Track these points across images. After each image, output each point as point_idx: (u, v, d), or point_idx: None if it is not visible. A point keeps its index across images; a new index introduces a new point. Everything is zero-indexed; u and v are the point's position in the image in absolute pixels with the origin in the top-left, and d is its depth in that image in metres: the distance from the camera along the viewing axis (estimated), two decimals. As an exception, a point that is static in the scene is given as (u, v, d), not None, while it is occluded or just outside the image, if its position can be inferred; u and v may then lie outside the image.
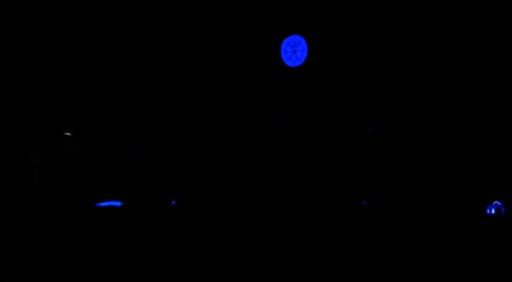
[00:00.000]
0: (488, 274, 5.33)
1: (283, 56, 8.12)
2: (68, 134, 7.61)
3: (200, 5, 8.38)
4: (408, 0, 7.41)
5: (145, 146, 7.66)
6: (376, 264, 5.71)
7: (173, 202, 7.11)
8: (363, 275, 5.66)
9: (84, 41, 9.00)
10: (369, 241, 5.96)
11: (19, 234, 6.71)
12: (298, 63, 8.03)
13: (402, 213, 6.27)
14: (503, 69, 6.83)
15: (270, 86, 8.06)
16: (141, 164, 7.51)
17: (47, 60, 9.07)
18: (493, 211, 6.09)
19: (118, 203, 7.17)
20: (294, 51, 8.06)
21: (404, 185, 6.73)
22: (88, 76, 8.97)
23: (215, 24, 8.37)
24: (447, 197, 6.45)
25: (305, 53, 7.99)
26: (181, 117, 8.10)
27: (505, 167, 6.35)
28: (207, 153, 7.71)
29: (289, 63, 8.09)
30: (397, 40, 7.49)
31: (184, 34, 8.55)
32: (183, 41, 8.56)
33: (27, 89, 8.97)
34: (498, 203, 6.09)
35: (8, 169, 7.82)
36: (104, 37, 8.98)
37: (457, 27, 7.16)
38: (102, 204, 7.17)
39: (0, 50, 8.82)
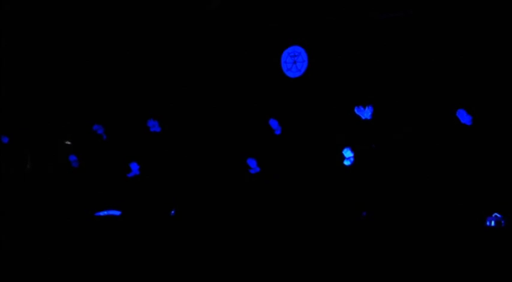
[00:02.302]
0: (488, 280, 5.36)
1: (284, 66, 8.19)
2: (68, 143, 7.63)
3: (204, 19, 8.46)
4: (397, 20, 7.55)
5: (145, 156, 7.67)
6: (376, 274, 5.72)
7: (172, 212, 7.12)
8: None
9: (82, 46, 9.10)
10: (368, 251, 5.96)
11: (21, 242, 6.77)
12: (298, 74, 8.08)
13: (402, 225, 6.24)
14: (499, 77, 6.91)
15: (271, 97, 8.12)
16: (141, 174, 7.53)
17: (48, 63, 9.17)
18: (492, 223, 6.04)
19: (117, 212, 7.19)
20: (294, 62, 8.10)
21: (404, 197, 6.67)
22: (85, 85, 9.03)
23: (218, 37, 8.48)
24: (447, 208, 6.38)
25: (305, 64, 8.04)
26: (183, 127, 8.14)
27: (505, 180, 6.27)
28: (208, 163, 7.73)
29: (290, 74, 8.15)
30: (394, 52, 7.59)
31: (191, 47, 8.65)
32: (190, 52, 8.67)
33: (30, 96, 9.07)
34: (498, 215, 6.05)
35: (10, 179, 7.86)
36: (102, 41, 9.07)
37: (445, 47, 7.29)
38: (102, 213, 7.19)
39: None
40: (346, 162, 6.94)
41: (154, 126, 7.64)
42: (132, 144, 7.76)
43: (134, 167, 7.33)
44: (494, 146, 6.50)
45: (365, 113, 7.05)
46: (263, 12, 8.15)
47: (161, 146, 7.72)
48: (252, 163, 7.32)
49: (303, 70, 8.05)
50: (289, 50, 8.15)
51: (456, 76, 7.19)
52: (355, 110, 7.09)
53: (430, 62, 7.34)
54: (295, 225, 6.54)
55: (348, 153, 6.96)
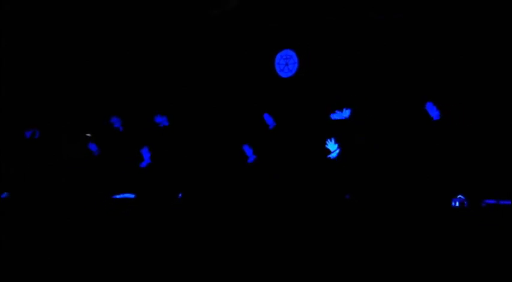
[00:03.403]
0: (453, 256, 5.95)
1: (277, 67, 8.53)
2: (89, 135, 7.94)
3: (203, 23, 8.83)
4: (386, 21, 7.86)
5: (155, 146, 8.01)
6: (356, 253, 6.26)
7: (180, 195, 7.58)
8: (344, 263, 6.19)
9: (86, 43, 9.32)
10: (350, 232, 6.51)
11: (43, 222, 7.39)
12: (290, 74, 8.43)
13: (380, 207, 6.81)
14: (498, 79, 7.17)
15: (265, 94, 8.49)
16: (152, 161, 7.87)
17: (53, 62, 9.39)
18: (457, 204, 6.59)
19: (132, 195, 7.61)
20: (286, 64, 8.47)
21: (381, 181, 7.08)
22: (98, 77, 9.29)
23: (217, 40, 8.83)
24: (419, 191, 6.83)
25: (296, 66, 8.39)
26: (185, 121, 8.44)
27: (469, 167, 6.78)
28: (209, 153, 8.05)
29: (282, 74, 8.51)
30: (376, 54, 7.89)
31: (190, 48, 9.00)
32: (190, 53, 9.00)
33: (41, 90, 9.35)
34: (461, 197, 6.61)
35: (37, 164, 8.26)
36: (109, 40, 9.32)
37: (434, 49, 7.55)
38: (118, 196, 7.62)
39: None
40: (332, 155, 7.31)
41: (163, 121, 8.00)
42: (145, 137, 8.13)
43: (145, 155, 7.68)
44: (460, 138, 6.92)
45: (343, 114, 7.33)
46: (259, 16, 8.51)
47: (169, 139, 8.09)
48: (248, 151, 7.73)
49: (294, 71, 8.42)
50: (282, 53, 8.50)
51: (455, 77, 7.36)
52: (331, 116, 7.35)
53: (423, 64, 7.55)
54: (285, 206, 7.12)
55: (332, 146, 7.33)
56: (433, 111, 6.96)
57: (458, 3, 7.40)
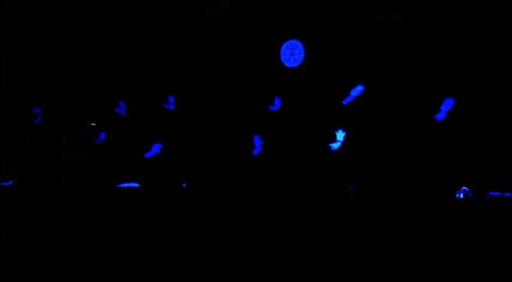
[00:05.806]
0: (457, 248, 5.99)
1: (283, 58, 8.59)
2: (93, 124, 8.05)
3: (212, 16, 8.85)
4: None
5: (161, 137, 8.12)
6: (361, 244, 6.29)
7: (184, 184, 7.70)
8: (347, 253, 6.18)
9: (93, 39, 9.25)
10: (354, 223, 6.58)
11: (52, 209, 7.46)
12: (296, 64, 8.50)
13: (384, 199, 6.90)
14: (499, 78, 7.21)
15: (271, 83, 8.51)
16: (158, 152, 7.96)
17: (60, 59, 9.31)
18: (461, 196, 6.72)
19: (136, 185, 7.73)
20: (292, 54, 8.52)
21: (386, 173, 7.20)
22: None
23: (224, 31, 8.86)
24: (424, 183, 6.95)
25: (302, 56, 8.46)
26: (191, 111, 8.49)
27: (474, 157, 6.91)
28: (214, 144, 8.16)
29: (288, 65, 8.58)
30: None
31: (200, 41, 9.00)
32: (201, 45, 9.01)
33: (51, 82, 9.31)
34: (466, 189, 6.73)
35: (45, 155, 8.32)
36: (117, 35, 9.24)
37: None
38: (123, 185, 7.73)
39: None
40: (335, 144, 7.41)
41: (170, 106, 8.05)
42: (150, 125, 8.23)
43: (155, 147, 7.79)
44: (465, 131, 7.04)
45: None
46: (266, 13, 8.58)
47: (175, 130, 8.20)
48: (256, 142, 7.80)
49: (299, 61, 8.46)
50: (288, 43, 8.56)
51: (455, 75, 7.37)
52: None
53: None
54: (288, 193, 7.20)
55: (340, 135, 7.44)
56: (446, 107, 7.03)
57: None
